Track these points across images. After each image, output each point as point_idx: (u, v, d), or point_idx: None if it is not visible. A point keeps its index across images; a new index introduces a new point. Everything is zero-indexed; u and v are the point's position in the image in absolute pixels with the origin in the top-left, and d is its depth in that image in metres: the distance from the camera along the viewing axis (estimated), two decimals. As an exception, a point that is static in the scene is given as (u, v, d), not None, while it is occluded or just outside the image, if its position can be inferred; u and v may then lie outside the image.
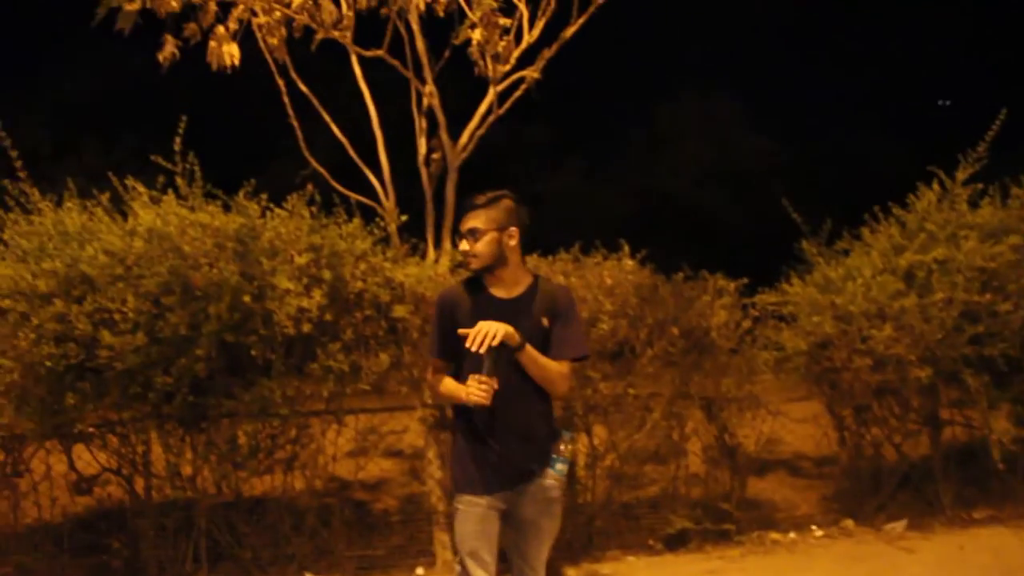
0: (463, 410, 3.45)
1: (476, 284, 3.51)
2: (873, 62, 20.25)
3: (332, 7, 5.52)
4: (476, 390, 3.32)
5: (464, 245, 3.46)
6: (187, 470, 5.66)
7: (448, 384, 3.49)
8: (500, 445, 3.43)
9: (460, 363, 3.46)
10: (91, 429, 5.69)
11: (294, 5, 5.50)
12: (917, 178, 6.83)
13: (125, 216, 5.60)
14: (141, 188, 5.59)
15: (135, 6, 5.34)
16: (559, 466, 3.51)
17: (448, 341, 3.45)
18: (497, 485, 3.45)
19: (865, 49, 20.19)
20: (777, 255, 7.25)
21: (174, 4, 5.32)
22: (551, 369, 3.47)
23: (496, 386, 3.34)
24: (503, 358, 3.35)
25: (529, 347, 3.40)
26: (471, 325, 3.35)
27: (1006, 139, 6.75)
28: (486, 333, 3.28)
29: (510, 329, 3.34)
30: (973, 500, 6.79)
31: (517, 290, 3.50)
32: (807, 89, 20.30)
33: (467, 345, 3.30)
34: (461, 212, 3.49)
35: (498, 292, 3.48)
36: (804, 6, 20.00)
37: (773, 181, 17.19)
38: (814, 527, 6.60)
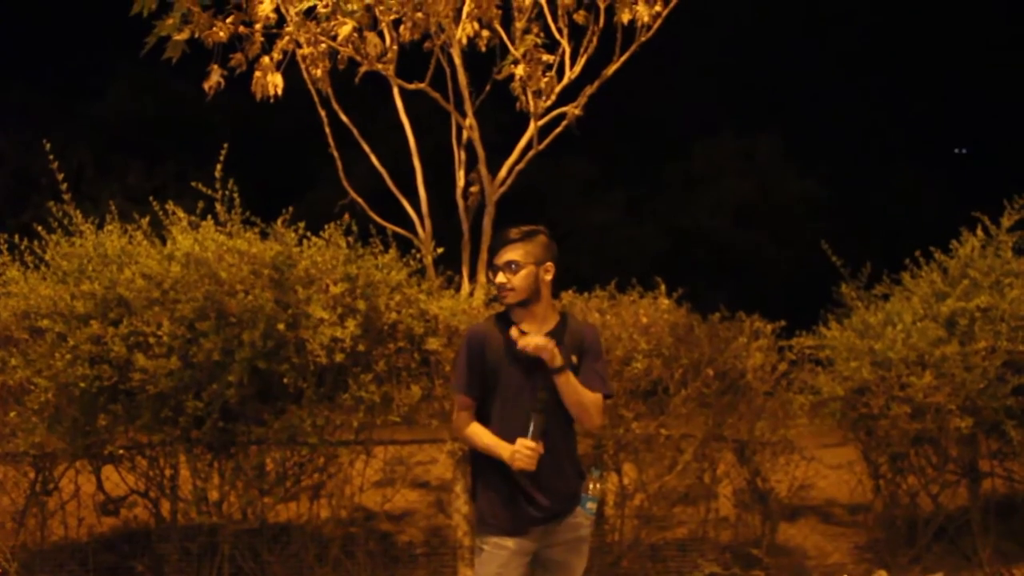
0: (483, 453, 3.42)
1: (506, 320, 3.47)
2: (915, 103, 20.11)
3: (377, 40, 5.56)
4: (524, 455, 3.29)
5: (501, 278, 3.42)
6: (214, 495, 5.67)
7: (485, 437, 3.40)
8: (533, 486, 3.38)
9: (487, 400, 3.42)
10: (121, 451, 5.74)
11: (340, 38, 5.55)
12: (958, 221, 6.74)
13: (164, 240, 5.66)
14: (181, 213, 5.64)
15: (184, 36, 5.42)
16: (589, 504, 3.48)
17: (476, 378, 3.41)
18: (527, 526, 3.39)
19: (907, 90, 20.07)
20: (813, 297, 7.17)
21: (222, 35, 5.40)
22: (587, 397, 3.43)
23: (542, 451, 3.32)
24: (545, 422, 3.33)
25: (569, 372, 3.37)
26: (502, 362, 3.34)
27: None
28: (537, 344, 3.30)
29: (555, 348, 3.33)
30: (1013, 555, 6.61)
31: (547, 327, 3.47)
32: (847, 130, 20.17)
33: (520, 346, 3.31)
34: (497, 245, 3.46)
35: (528, 328, 3.43)
36: (846, 46, 19.97)
37: (810, 221, 17.09)
38: (846, 576, 6.47)
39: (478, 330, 3.50)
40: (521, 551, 3.39)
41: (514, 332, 3.37)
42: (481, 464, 3.46)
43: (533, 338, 3.33)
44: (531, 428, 3.31)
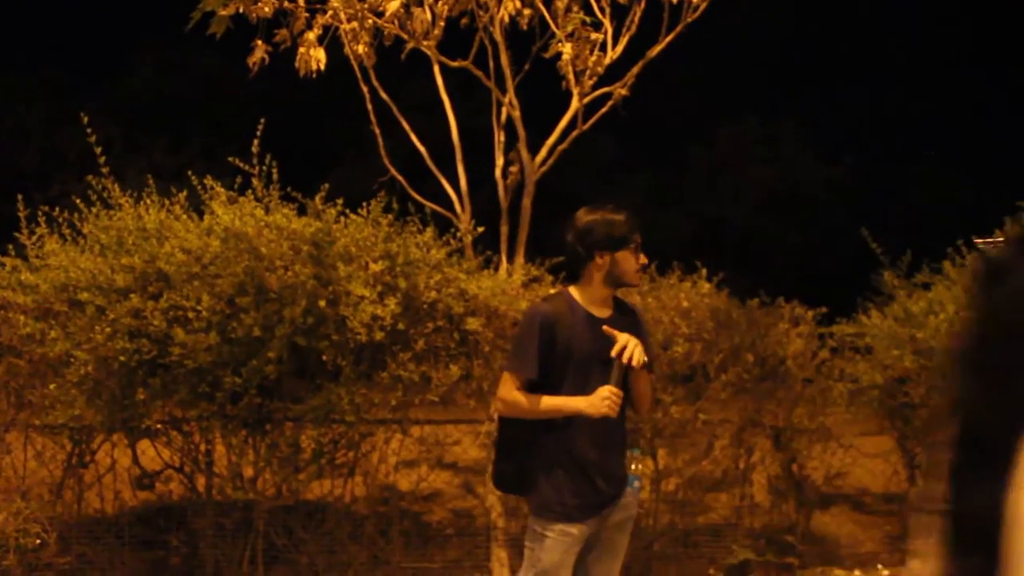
0: (554, 431, 3.36)
1: (567, 301, 3.43)
2: (946, 90, 19.86)
3: (426, 17, 5.50)
4: (609, 400, 3.26)
5: (643, 259, 3.46)
6: (248, 471, 5.66)
7: (550, 400, 3.34)
8: (596, 470, 3.37)
9: (552, 376, 3.36)
10: (158, 425, 5.72)
11: (387, 15, 5.49)
12: (988, 209, 6.65)
13: (200, 216, 5.62)
14: (219, 188, 5.60)
15: (229, 11, 5.37)
16: (636, 483, 3.52)
17: (544, 359, 3.34)
18: (593, 511, 3.38)
19: (937, 71, 19.81)
20: (839, 284, 7.10)
21: (267, 10, 5.34)
22: (650, 385, 3.49)
23: (621, 398, 3.30)
24: (623, 371, 3.33)
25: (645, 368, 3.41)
26: (574, 343, 3.31)
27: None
28: (634, 346, 3.29)
29: (643, 352, 3.34)
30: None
31: (608, 309, 3.45)
32: (874, 115, 19.96)
33: (614, 355, 3.29)
34: (637, 225, 3.45)
35: (594, 311, 3.40)
36: (872, 30, 19.73)
37: (837, 209, 16.96)
38: (880, 566, 6.42)
39: (547, 310, 3.41)
40: (582, 536, 3.37)
41: (607, 330, 3.35)
42: (546, 450, 3.39)
43: (628, 345, 3.31)
44: (613, 374, 3.29)
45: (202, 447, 5.85)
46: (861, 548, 6.76)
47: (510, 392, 3.38)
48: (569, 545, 3.35)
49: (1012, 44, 18.86)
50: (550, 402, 3.33)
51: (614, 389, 3.28)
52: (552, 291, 3.90)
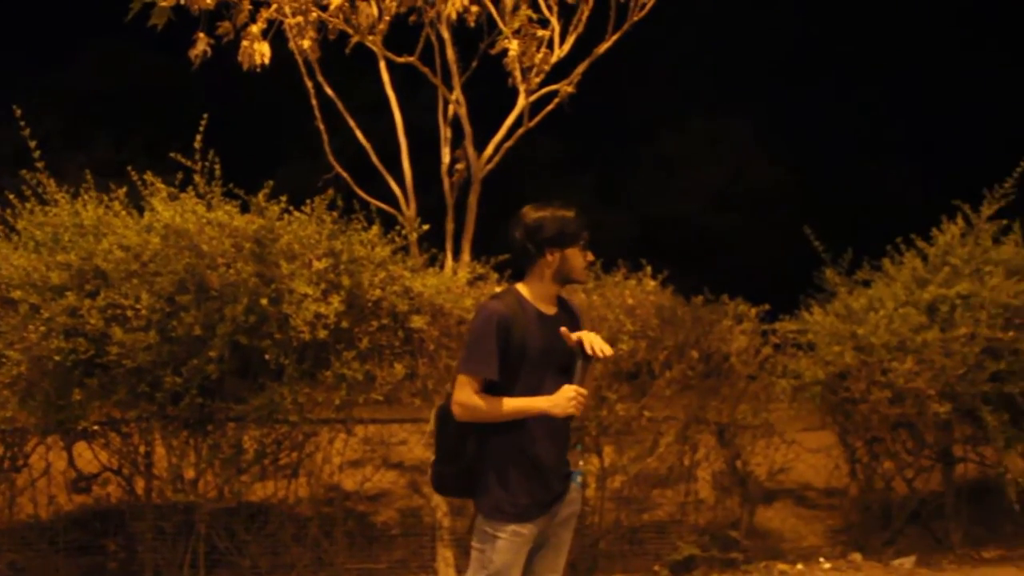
0: (507, 432, 3.30)
1: (517, 299, 3.38)
2: (888, 86, 20.23)
3: (371, 10, 5.44)
4: (576, 400, 3.22)
5: (590, 256, 3.42)
6: (189, 473, 5.57)
7: (511, 402, 3.26)
8: (553, 468, 3.35)
9: (506, 380, 3.29)
10: (95, 427, 5.60)
11: (331, 8, 5.42)
12: (930, 209, 6.79)
13: (141, 212, 5.51)
14: (160, 184, 5.49)
15: (170, 2, 5.26)
16: (579, 479, 3.50)
17: (502, 358, 3.26)
18: (544, 509, 3.35)
19: (881, 72, 20.16)
20: (786, 282, 7.17)
21: (209, 1, 5.24)
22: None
23: (586, 396, 3.29)
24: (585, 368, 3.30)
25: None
26: (528, 342, 3.25)
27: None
28: (595, 338, 3.27)
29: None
30: (983, 539, 6.71)
31: (554, 307, 3.42)
32: (819, 113, 20.24)
33: (589, 353, 3.26)
34: (584, 222, 3.40)
35: (543, 308, 3.37)
36: (818, 29, 20.00)
37: (782, 207, 17.17)
38: (822, 559, 6.51)
39: (503, 309, 3.30)
40: (531, 535, 3.35)
41: (564, 332, 3.30)
42: (498, 452, 3.32)
43: (592, 341, 3.29)
44: (577, 374, 3.26)
45: (141, 449, 5.74)
46: (804, 542, 6.86)
47: (469, 396, 3.27)
48: (520, 545, 3.32)
49: (954, 46, 19.29)
50: (513, 404, 3.26)
51: (580, 389, 3.24)
52: (498, 289, 3.80)
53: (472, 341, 3.30)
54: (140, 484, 5.77)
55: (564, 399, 3.23)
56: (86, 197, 5.53)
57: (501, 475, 3.31)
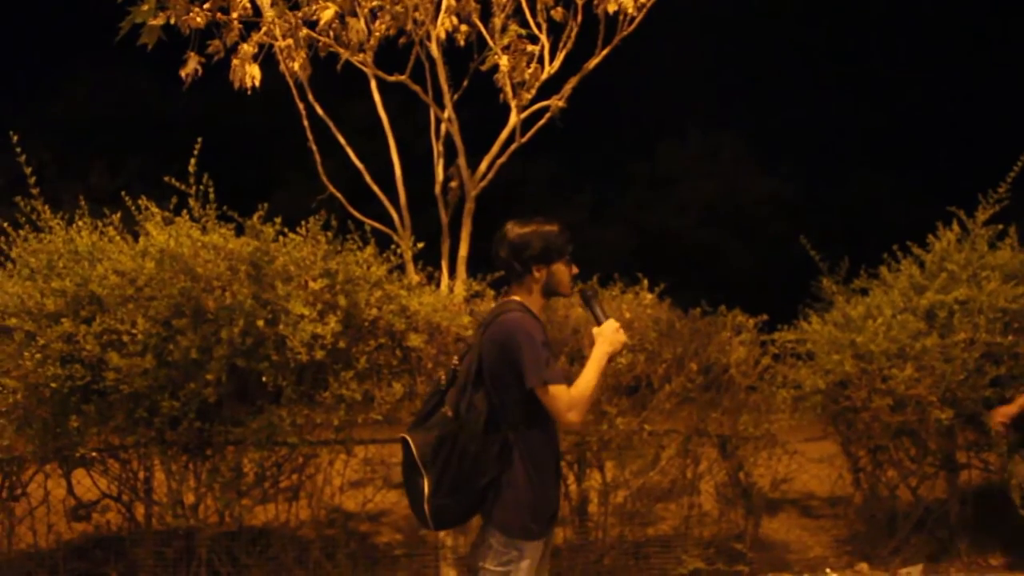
0: (547, 431, 3.29)
1: (528, 310, 3.35)
2: (883, 97, 20.33)
3: (361, 27, 5.45)
4: (620, 328, 3.36)
5: (575, 268, 3.44)
6: (189, 498, 5.53)
7: (590, 364, 3.28)
8: (558, 480, 3.43)
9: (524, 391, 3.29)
10: (93, 453, 5.56)
11: (321, 23, 5.43)
12: (923, 218, 6.80)
13: (136, 237, 5.50)
14: (154, 208, 5.49)
15: (159, 21, 5.27)
16: None
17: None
18: (555, 518, 3.41)
19: (876, 84, 20.27)
20: (781, 294, 7.18)
21: (199, 20, 5.25)
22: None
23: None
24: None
25: None
26: (548, 352, 3.26)
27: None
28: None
29: None
30: (989, 546, 6.67)
31: (542, 314, 3.46)
32: (813, 126, 20.32)
33: (588, 292, 3.49)
34: (569, 237, 3.39)
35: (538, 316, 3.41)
36: (812, 41, 20.11)
37: (778, 220, 17.21)
38: (828, 570, 6.47)
39: (532, 321, 3.30)
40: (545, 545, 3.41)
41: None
42: (525, 465, 3.24)
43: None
44: (600, 312, 3.39)
45: (140, 474, 5.71)
46: (809, 553, 6.82)
47: (572, 396, 3.21)
48: (540, 557, 3.34)
49: (946, 58, 19.40)
50: (590, 369, 3.28)
51: (613, 322, 3.35)
52: (503, 301, 3.75)
53: (532, 355, 3.20)
54: (140, 510, 5.75)
55: (612, 331, 3.32)
56: (81, 223, 5.53)
57: (526, 493, 3.24)
